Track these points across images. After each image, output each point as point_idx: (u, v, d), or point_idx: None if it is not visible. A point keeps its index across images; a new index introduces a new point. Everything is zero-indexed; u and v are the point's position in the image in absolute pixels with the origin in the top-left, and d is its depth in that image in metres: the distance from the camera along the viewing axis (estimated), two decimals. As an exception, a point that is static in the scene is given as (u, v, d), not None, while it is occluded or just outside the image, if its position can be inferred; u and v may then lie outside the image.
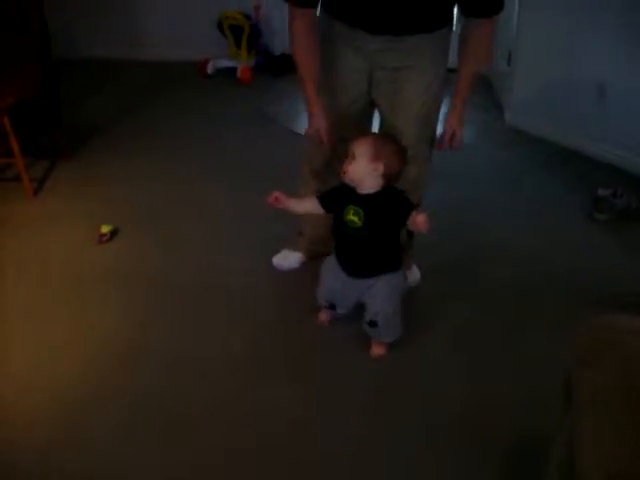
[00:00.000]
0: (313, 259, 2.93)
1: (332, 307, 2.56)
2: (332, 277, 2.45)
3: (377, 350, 2.49)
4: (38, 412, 2.18)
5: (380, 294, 2.37)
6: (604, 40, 3.93)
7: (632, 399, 1.25)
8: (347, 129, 2.48)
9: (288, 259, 2.94)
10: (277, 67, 5.58)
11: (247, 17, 5.51)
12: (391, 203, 2.24)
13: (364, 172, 2.21)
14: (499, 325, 2.65)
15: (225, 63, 5.64)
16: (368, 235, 2.27)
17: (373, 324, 2.40)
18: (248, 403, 2.25)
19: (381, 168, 2.20)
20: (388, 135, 2.39)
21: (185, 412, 2.20)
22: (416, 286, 2.84)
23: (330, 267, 2.45)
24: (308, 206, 2.42)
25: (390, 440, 2.12)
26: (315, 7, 2.33)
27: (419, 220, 2.10)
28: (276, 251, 2.97)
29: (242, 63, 5.55)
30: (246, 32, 5.50)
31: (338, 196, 2.30)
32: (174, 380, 2.34)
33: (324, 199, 2.37)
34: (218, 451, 2.06)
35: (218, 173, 3.86)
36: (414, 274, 2.86)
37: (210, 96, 5.17)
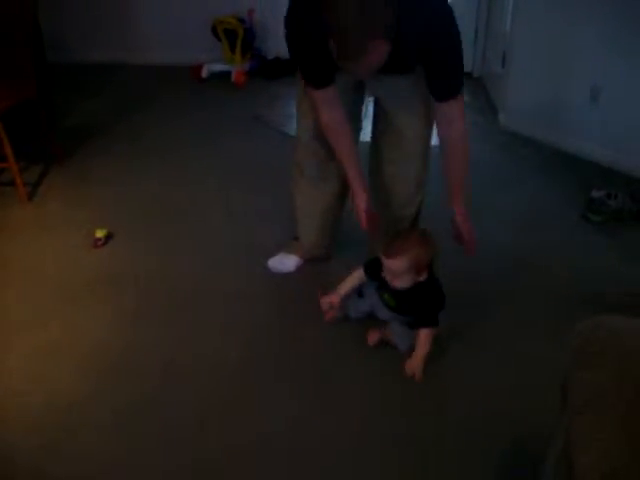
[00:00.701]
0: (309, 262, 2.93)
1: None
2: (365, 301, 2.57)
3: (372, 337, 2.55)
4: (33, 417, 2.17)
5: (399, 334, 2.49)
6: (598, 42, 3.94)
7: (628, 399, 1.25)
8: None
9: (284, 262, 2.94)
10: (271, 71, 5.58)
11: (241, 21, 5.51)
12: (421, 294, 2.37)
13: (410, 282, 2.32)
14: (496, 326, 2.65)
15: (219, 67, 5.64)
16: (403, 314, 2.45)
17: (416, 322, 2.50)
18: (245, 406, 2.24)
19: (424, 274, 2.34)
20: (413, 231, 2.53)
21: (181, 415, 2.19)
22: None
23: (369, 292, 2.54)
24: (355, 280, 2.52)
25: (388, 440, 2.12)
26: (333, 83, 2.29)
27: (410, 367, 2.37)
28: (272, 254, 2.97)
29: (236, 67, 5.55)
30: (240, 36, 5.50)
31: (379, 270, 2.39)
32: (170, 384, 2.33)
33: (368, 271, 2.48)
34: (215, 454, 2.05)
35: (213, 176, 3.86)
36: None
37: (204, 100, 5.16)
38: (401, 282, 2.31)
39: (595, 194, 3.43)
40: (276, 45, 5.57)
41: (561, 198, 3.69)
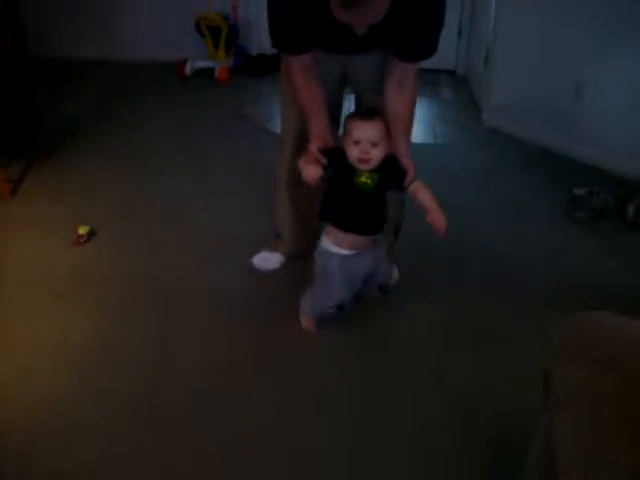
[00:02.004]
0: (293, 259, 2.93)
1: (341, 308, 2.55)
2: (342, 269, 2.40)
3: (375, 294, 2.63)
4: (18, 413, 2.16)
5: (383, 262, 2.50)
6: (581, 40, 3.97)
7: (609, 395, 1.26)
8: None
9: (268, 260, 2.94)
10: (255, 67, 5.57)
11: (225, 18, 5.50)
12: (393, 168, 2.30)
13: (385, 151, 2.24)
14: (481, 324, 2.67)
15: (203, 64, 5.63)
16: (377, 195, 2.32)
17: (384, 288, 2.56)
18: (229, 403, 2.25)
19: (390, 147, 2.27)
20: (371, 108, 2.33)
21: (166, 412, 2.19)
22: (393, 286, 2.85)
23: (334, 265, 2.40)
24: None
25: (373, 439, 2.13)
26: (311, 50, 2.30)
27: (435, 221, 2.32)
28: (256, 252, 2.97)
29: (220, 63, 5.53)
30: (224, 32, 5.49)
31: (345, 160, 2.26)
32: (155, 381, 2.33)
33: (332, 158, 2.29)
34: (200, 450, 2.05)
35: (196, 174, 3.85)
36: (393, 274, 2.87)
37: (188, 96, 5.15)
38: (378, 152, 2.21)
39: (578, 191, 3.46)
40: (260, 42, 5.56)
41: (544, 195, 3.71)
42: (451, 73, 5.97)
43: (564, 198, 3.54)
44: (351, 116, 2.27)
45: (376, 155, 2.21)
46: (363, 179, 2.26)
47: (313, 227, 2.91)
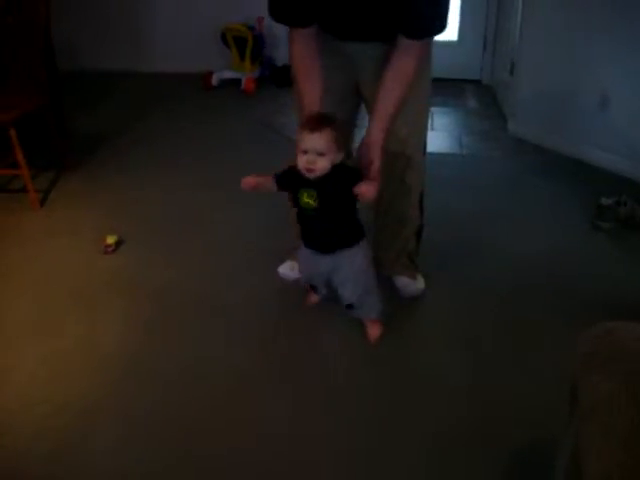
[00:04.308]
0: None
1: (314, 288, 2.67)
2: (304, 260, 2.52)
3: (372, 332, 2.58)
4: (42, 423, 2.18)
5: (348, 279, 2.43)
6: (607, 49, 3.95)
7: (637, 406, 1.25)
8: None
9: (294, 269, 2.95)
10: (281, 78, 5.60)
11: (250, 28, 5.54)
12: (340, 177, 2.23)
13: (332, 161, 2.20)
14: (504, 332, 2.65)
15: (229, 74, 5.67)
16: (324, 214, 2.29)
17: (350, 307, 2.50)
18: (252, 416, 2.24)
19: (341, 154, 2.22)
20: (323, 114, 2.27)
21: (189, 425, 2.19)
22: (420, 295, 2.85)
23: (302, 251, 2.49)
24: (268, 185, 2.41)
25: (394, 443, 2.12)
26: (312, 24, 2.29)
27: (363, 190, 2.15)
28: (282, 261, 2.98)
29: (246, 74, 5.57)
30: (250, 43, 5.53)
31: (291, 179, 2.30)
32: (177, 393, 2.33)
33: (279, 180, 2.38)
34: (221, 463, 2.05)
35: (223, 183, 3.87)
36: (419, 283, 2.87)
37: (214, 107, 5.19)
38: (324, 162, 2.17)
39: (604, 201, 3.43)
40: (285, 52, 5.58)
41: (570, 205, 3.69)
42: (477, 83, 5.95)
43: (590, 208, 3.51)
44: (302, 125, 2.24)
45: (321, 165, 2.18)
46: (304, 199, 2.27)
47: None
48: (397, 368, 2.46)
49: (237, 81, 5.58)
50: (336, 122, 2.20)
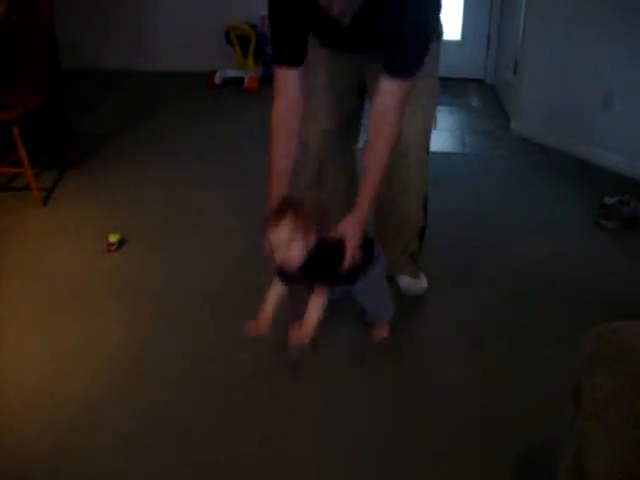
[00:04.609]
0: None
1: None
2: None
3: (380, 333, 2.57)
4: (45, 421, 2.18)
5: (365, 299, 2.45)
6: (611, 48, 3.94)
7: (641, 406, 1.25)
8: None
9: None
10: (284, 77, 5.59)
11: (253, 27, 5.54)
12: (323, 259, 2.19)
13: (303, 249, 2.14)
14: (507, 332, 2.65)
15: (232, 73, 5.67)
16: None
17: (363, 313, 2.52)
18: (253, 416, 2.24)
19: (313, 236, 2.15)
20: (288, 199, 2.23)
21: (193, 423, 2.19)
22: (422, 295, 2.85)
23: None
24: (276, 292, 2.34)
25: (397, 442, 2.12)
26: (301, 65, 2.26)
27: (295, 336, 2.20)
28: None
29: (249, 73, 5.57)
30: (253, 42, 5.53)
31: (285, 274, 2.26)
32: (179, 391, 2.33)
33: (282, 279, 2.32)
34: (222, 461, 2.05)
35: (226, 181, 3.88)
36: (422, 282, 2.87)
37: (217, 106, 5.19)
38: (296, 251, 2.11)
39: (608, 200, 3.43)
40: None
41: (573, 205, 3.69)
42: (480, 82, 5.95)
43: (594, 207, 3.51)
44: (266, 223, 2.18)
45: (294, 255, 2.12)
46: None
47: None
48: (400, 367, 2.46)
49: (240, 80, 5.58)
50: (297, 206, 2.14)
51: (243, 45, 5.59)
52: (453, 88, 5.48)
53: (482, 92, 5.72)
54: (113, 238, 3.14)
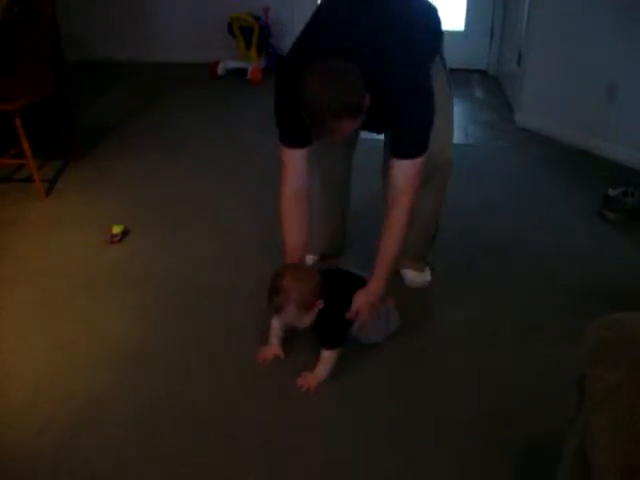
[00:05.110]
0: (325, 259, 2.94)
1: None
2: None
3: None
4: (50, 413, 2.19)
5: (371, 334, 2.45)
6: (615, 39, 3.93)
7: (645, 396, 1.25)
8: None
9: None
10: (287, 68, 5.57)
11: (257, 18, 5.52)
12: (331, 316, 2.28)
13: (311, 318, 2.23)
14: (511, 324, 2.65)
15: (235, 64, 5.66)
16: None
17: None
18: (257, 408, 2.24)
19: (318, 304, 2.22)
20: (282, 274, 2.22)
21: (198, 416, 2.20)
22: (425, 288, 2.86)
23: None
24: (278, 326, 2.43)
25: (403, 438, 2.12)
26: (305, 147, 2.31)
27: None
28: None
29: (252, 64, 5.56)
30: (256, 33, 5.51)
31: None
32: (187, 383, 2.34)
33: None
34: (231, 453, 2.06)
35: (228, 174, 3.88)
36: (426, 275, 2.87)
37: (220, 97, 5.18)
38: (303, 322, 2.23)
39: (611, 192, 3.42)
40: (292, 42, 5.57)
41: (577, 196, 3.68)
42: (483, 73, 5.93)
43: (597, 198, 3.50)
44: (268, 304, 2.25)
45: (304, 322, 2.23)
46: None
47: (343, 226, 2.93)
48: (406, 356, 2.47)
49: (243, 71, 5.56)
50: (296, 276, 2.19)
51: (246, 36, 5.57)
52: (456, 79, 5.44)
53: (485, 83, 5.70)
54: (116, 229, 3.14)
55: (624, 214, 3.40)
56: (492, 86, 5.59)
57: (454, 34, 5.46)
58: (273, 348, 2.41)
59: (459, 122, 4.79)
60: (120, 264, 2.99)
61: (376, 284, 2.31)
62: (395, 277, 2.78)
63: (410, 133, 2.19)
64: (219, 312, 2.70)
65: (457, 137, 4.49)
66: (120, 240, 3.14)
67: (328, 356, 2.30)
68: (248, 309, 2.70)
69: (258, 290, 2.79)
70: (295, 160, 2.32)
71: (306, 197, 2.38)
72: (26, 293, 2.79)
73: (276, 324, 2.41)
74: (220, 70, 5.61)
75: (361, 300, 2.29)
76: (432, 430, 2.15)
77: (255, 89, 5.39)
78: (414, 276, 2.86)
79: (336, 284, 2.33)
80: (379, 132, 2.49)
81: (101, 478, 1.96)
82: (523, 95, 4.68)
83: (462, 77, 5.60)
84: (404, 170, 2.21)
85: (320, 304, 2.22)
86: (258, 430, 2.14)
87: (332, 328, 2.30)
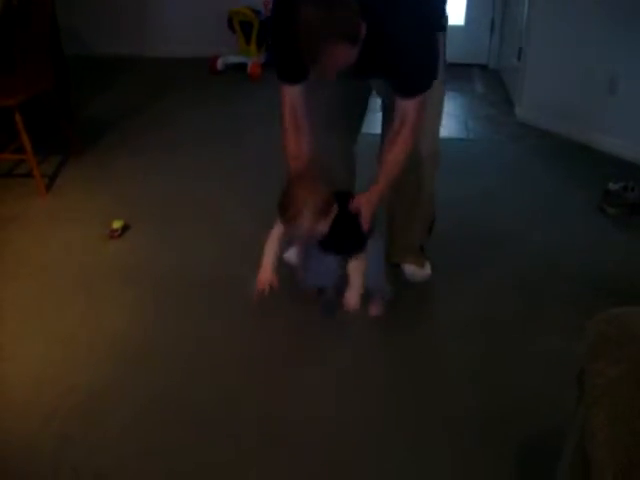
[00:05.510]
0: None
1: (320, 292, 2.66)
2: (315, 262, 2.46)
3: (375, 309, 2.61)
4: (53, 406, 2.19)
5: (369, 274, 2.40)
6: (615, 33, 3.92)
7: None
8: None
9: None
10: (287, 63, 5.57)
11: (256, 13, 5.51)
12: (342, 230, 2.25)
13: (324, 227, 2.21)
14: (511, 319, 2.65)
15: (235, 59, 5.65)
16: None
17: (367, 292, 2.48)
18: (257, 401, 2.24)
19: (335, 207, 2.22)
20: (296, 184, 2.24)
21: (199, 410, 2.20)
22: (426, 281, 2.85)
23: (312, 254, 2.45)
24: (274, 243, 2.40)
25: (404, 435, 2.12)
26: (303, 81, 2.35)
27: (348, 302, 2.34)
28: (288, 247, 2.97)
29: (252, 59, 5.55)
30: (255, 28, 5.50)
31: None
32: (188, 377, 2.34)
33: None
34: (232, 448, 2.06)
35: (230, 168, 3.87)
36: (426, 270, 2.87)
37: (220, 92, 5.18)
38: (318, 230, 2.19)
39: (612, 187, 3.42)
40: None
41: (578, 190, 3.68)
42: (483, 67, 5.93)
43: (598, 193, 3.50)
44: (279, 215, 2.24)
45: (319, 230, 2.20)
46: None
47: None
48: (405, 352, 2.47)
49: (243, 66, 5.56)
50: (308, 184, 2.20)
51: (246, 31, 5.57)
52: (457, 73, 5.45)
53: (486, 77, 5.70)
54: (117, 224, 3.14)
55: (624, 209, 3.39)
56: (492, 80, 5.59)
57: (455, 28, 5.42)
58: (268, 275, 2.33)
59: (459, 116, 4.80)
60: (120, 259, 2.99)
61: (377, 187, 2.34)
62: (395, 272, 2.80)
63: (414, 69, 2.18)
64: (220, 306, 2.70)
65: (457, 131, 4.54)
66: (120, 235, 3.14)
67: (356, 266, 2.32)
68: (248, 304, 2.70)
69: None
70: (294, 94, 2.39)
71: (304, 119, 2.42)
72: (27, 288, 2.79)
73: (273, 250, 2.37)
74: (219, 65, 5.60)
75: (362, 197, 2.31)
76: (433, 426, 2.15)
77: (255, 84, 5.39)
78: (415, 270, 2.85)
79: (348, 199, 2.31)
80: (375, 76, 2.44)
81: (103, 472, 1.97)
82: (523, 89, 4.67)
83: (462, 71, 5.59)
84: (409, 107, 2.24)
85: (335, 209, 2.21)
86: (259, 426, 2.14)
87: (351, 230, 2.28)
